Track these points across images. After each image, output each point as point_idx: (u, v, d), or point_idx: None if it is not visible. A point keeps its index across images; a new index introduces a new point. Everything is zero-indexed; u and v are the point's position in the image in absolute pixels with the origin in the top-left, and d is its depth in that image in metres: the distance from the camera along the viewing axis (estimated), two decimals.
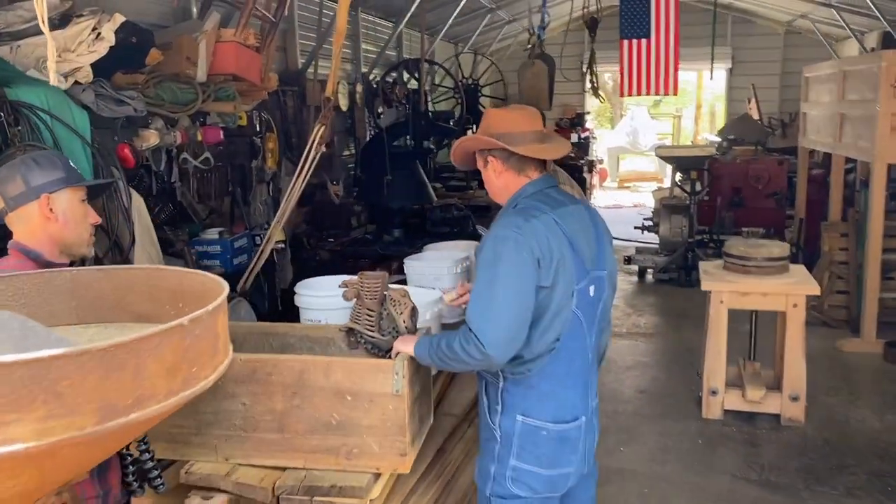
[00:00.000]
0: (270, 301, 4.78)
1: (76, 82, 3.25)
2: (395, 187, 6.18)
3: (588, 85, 9.24)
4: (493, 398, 2.38)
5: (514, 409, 2.32)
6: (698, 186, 8.11)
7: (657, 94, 12.40)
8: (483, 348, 2.15)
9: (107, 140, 3.43)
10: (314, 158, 3.66)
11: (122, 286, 1.33)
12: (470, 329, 2.20)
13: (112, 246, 3.35)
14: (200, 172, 4.72)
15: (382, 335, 2.61)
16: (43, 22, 1.81)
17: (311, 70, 6.76)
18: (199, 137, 4.02)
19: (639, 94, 12.35)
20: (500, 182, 2.40)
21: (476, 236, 6.29)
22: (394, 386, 2.28)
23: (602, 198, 15.54)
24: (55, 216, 2.01)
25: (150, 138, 3.66)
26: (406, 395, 2.28)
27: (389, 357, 2.62)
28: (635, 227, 9.38)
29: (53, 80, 1.91)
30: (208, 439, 2.42)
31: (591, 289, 2.35)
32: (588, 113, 15.14)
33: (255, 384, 2.36)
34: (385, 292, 2.62)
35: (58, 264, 2.02)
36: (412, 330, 2.59)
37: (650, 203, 12.84)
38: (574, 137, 13.82)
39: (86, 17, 3.30)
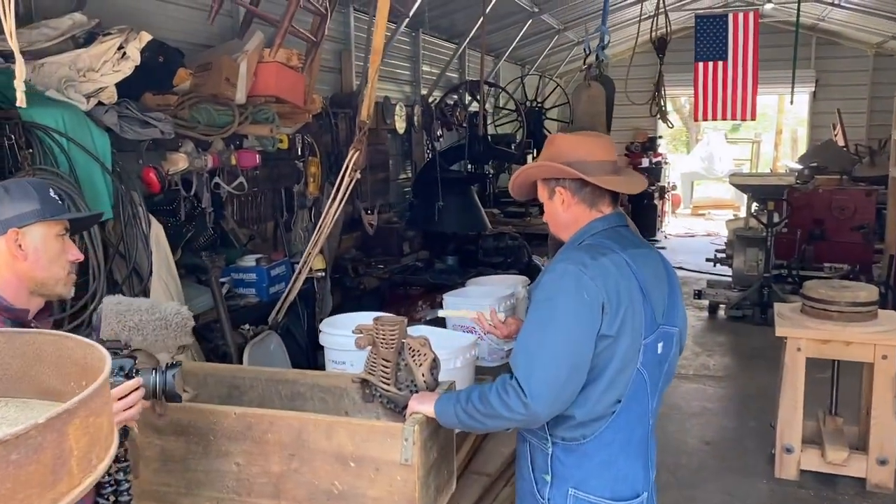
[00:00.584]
0: (309, 333, 4.55)
1: (99, 103, 3.10)
2: (448, 213, 5.91)
3: (654, 109, 8.73)
4: (541, 466, 2.06)
5: (566, 480, 2.01)
6: (776, 217, 7.54)
7: (734, 118, 11.84)
8: (526, 399, 1.84)
9: (131, 163, 3.27)
10: (349, 185, 3.42)
11: (30, 354, 1.08)
12: (513, 375, 1.89)
13: (130, 273, 3.17)
14: (243, 196, 4.55)
15: (399, 389, 2.31)
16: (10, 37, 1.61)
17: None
18: (234, 161, 3.83)
19: (714, 118, 11.82)
20: (568, 216, 2.10)
21: (532, 269, 5.95)
22: (402, 454, 1.98)
23: (674, 225, 14.92)
24: (24, 253, 1.79)
25: (179, 162, 3.49)
26: (417, 464, 1.98)
27: (403, 411, 2.32)
28: (707, 260, 8.84)
29: (20, 100, 1.70)
30: (198, 500, 2.16)
31: (660, 346, 2.03)
32: (661, 137, 14.60)
33: (251, 442, 2.10)
34: (403, 340, 2.33)
35: (18, 310, 1.81)
36: (431, 385, 2.28)
37: (724, 231, 12.21)
38: (645, 162, 13.33)
39: (113, 36, 3.16)
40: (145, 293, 3.20)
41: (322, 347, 5.13)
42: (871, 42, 13.07)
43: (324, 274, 4.62)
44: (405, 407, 2.29)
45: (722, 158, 16.77)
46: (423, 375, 2.27)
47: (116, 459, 1.84)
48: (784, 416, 4.28)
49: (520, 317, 3.78)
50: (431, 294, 5.99)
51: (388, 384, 2.31)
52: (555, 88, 9.75)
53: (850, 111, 12.84)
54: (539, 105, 9.27)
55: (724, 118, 11.72)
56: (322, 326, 3.07)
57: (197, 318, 3.90)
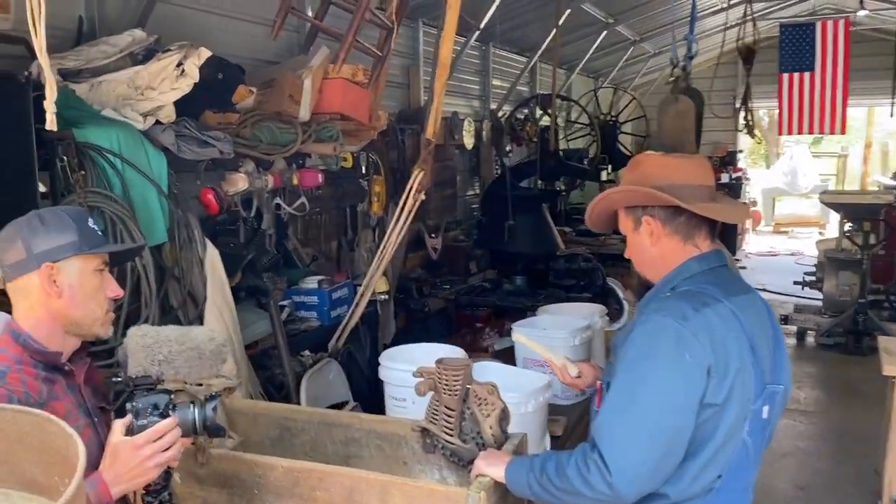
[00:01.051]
0: (371, 359, 4.35)
1: (157, 122, 2.98)
2: (518, 232, 5.65)
3: (742, 122, 8.22)
4: None
5: None
6: (872, 239, 6.99)
7: (821, 132, 11.20)
8: (610, 478, 1.58)
9: (189, 184, 3.14)
10: (413, 206, 3.22)
11: (12, 435, 0.89)
12: (595, 446, 1.63)
13: (186, 297, 3.04)
14: (306, 215, 4.40)
15: (464, 441, 2.07)
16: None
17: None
18: (296, 181, 3.68)
19: (800, 132, 11.18)
20: (657, 251, 1.80)
21: (606, 292, 5.63)
22: None
23: (755, 243, 14.23)
24: (58, 290, 1.65)
25: (238, 182, 3.35)
26: None
27: (467, 465, 2.08)
28: (795, 283, 8.30)
29: (50, 122, 1.55)
30: None
31: (766, 409, 1.73)
32: (741, 151, 13.97)
33: (298, 500, 1.89)
34: (468, 386, 2.09)
35: (51, 353, 1.66)
36: (500, 439, 2.03)
37: (809, 251, 11.54)
38: (725, 177, 12.75)
39: (172, 52, 3.04)
40: (200, 319, 3.06)
41: None
42: None
43: (387, 297, 4.42)
44: (470, 462, 2.05)
45: (806, 173, 15.96)
46: (490, 428, 2.03)
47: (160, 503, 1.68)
48: (892, 466, 3.84)
49: (596, 353, 3.51)
50: (500, 319, 5.73)
51: (452, 435, 2.07)
52: (630, 101, 9.37)
53: None
54: (613, 119, 8.92)
55: (810, 132, 11.07)
56: (382, 359, 2.86)
57: (256, 345, 3.77)
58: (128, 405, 1.63)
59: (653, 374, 1.61)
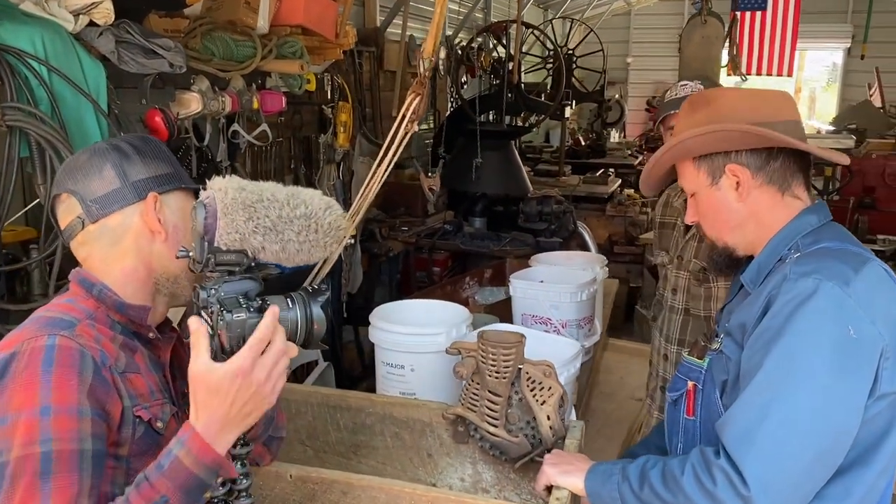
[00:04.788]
0: (336, 309, 3.90)
1: (91, 23, 2.38)
2: (487, 172, 5.20)
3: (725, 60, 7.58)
4: None
5: None
6: (832, 185, 6.90)
7: (770, 74, 11.07)
8: (747, 491, 1.19)
9: (132, 104, 2.56)
10: (403, 139, 2.72)
11: None
12: (719, 451, 1.25)
13: None
14: (257, 147, 3.84)
15: (511, 433, 1.67)
16: None
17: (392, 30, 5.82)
18: (256, 105, 3.12)
19: (748, 72, 11.03)
20: (746, 208, 1.41)
21: (576, 237, 5.30)
22: None
23: None
24: (163, 229, 1.25)
25: (191, 104, 2.78)
26: None
27: (515, 463, 1.70)
28: None
29: None
30: None
31: None
32: None
33: None
34: (520, 366, 1.68)
35: (137, 307, 1.24)
36: (559, 431, 1.64)
37: None
38: None
39: None
40: None
41: (349, 321, 4.50)
42: None
43: (354, 241, 3.95)
44: (518, 458, 1.67)
45: None
46: (547, 419, 1.63)
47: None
48: None
49: (599, 309, 3.17)
50: (460, 261, 5.35)
51: (496, 426, 1.67)
52: (588, 34, 8.93)
53: (887, 70, 12.08)
54: (571, 52, 8.48)
55: (759, 73, 10.95)
56: (373, 319, 2.41)
57: None
58: (203, 294, 1.12)
59: (806, 359, 1.23)
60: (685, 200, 2.08)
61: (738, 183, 1.40)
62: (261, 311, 1.09)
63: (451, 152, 5.62)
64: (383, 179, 2.86)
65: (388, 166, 2.80)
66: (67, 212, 1.26)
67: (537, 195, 5.07)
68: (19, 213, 2.16)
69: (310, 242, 1.22)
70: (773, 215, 1.42)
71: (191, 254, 1.18)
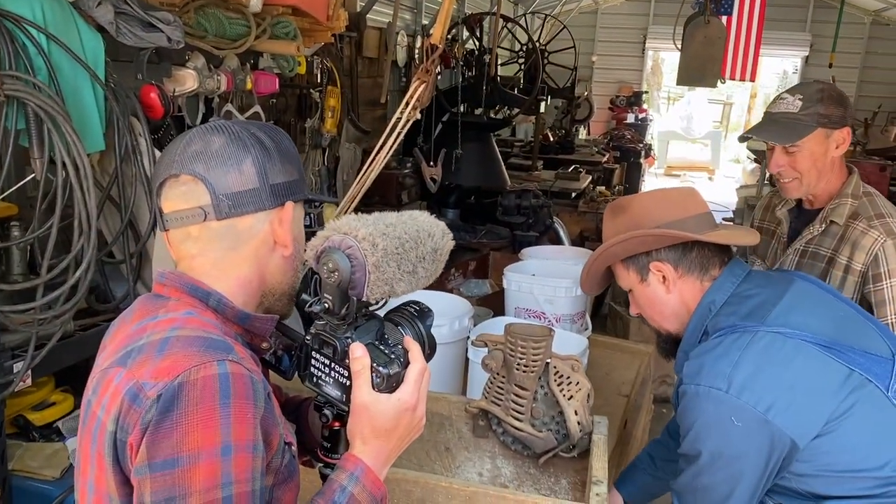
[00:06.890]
0: None
1: None
2: (467, 164, 5.18)
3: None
4: None
5: None
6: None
7: (733, 78, 11.33)
8: None
9: (127, 78, 2.46)
10: (404, 126, 2.69)
11: None
12: None
13: (127, 226, 2.40)
14: None
15: (536, 428, 1.66)
16: None
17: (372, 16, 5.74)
18: (249, 85, 3.03)
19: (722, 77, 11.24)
20: (676, 298, 1.58)
21: (551, 231, 5.32)
22: None
23: (650, 185, 14.47)
24: (286, 241, 1.14)
25: (187, 81, 2.68)
26: None
27: (539, 458, 1.69)
28: None
29: None
30: None
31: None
32: (646, 92, 14.00)
33: None
34: (548, 360, 1.67)
35: (262, 320, 1.13)
36: (587, 427, 1.64)
37: (709, 196, 11.79)
38: (631, 118, 12.77)
39: None
40: (141, 255, 2.44)
41: None
42: (870, 9, 12.62)
43: None
44: (543, 454, 1.66)
45: (702, 119, 16.34)
46: (575, 414, 1.63)
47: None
48: None
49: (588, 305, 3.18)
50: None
51: (522, 420, 1.66)
52: (560, 30, 8.97)
53: (841, 80, 12.44)
54: (543, 47, 8.50)
55: (722, 78, 11.14)
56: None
57: None
58: (340, 346, 1.11)
59: (744, 475, 1.38)
60: (789, 211, 2.13)
61: (664, 277, 1.57)
62: (406, 354, 1.12)
63: (429, 143, 5.58)
64: (382, 165, 2.83)
65: (389, 150, 2.77)
66: (186, 196, 1.09)
67: (516, 189, 5.07)
68: (18, 185, 2.04)
69: (432, 271, 1.20)
70: (695, 298, 1.57)
71: (326, 305, 1.10)
